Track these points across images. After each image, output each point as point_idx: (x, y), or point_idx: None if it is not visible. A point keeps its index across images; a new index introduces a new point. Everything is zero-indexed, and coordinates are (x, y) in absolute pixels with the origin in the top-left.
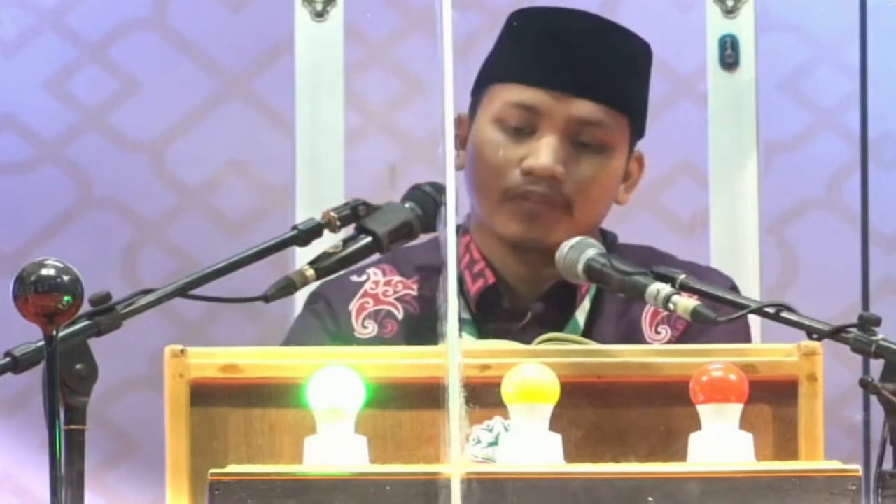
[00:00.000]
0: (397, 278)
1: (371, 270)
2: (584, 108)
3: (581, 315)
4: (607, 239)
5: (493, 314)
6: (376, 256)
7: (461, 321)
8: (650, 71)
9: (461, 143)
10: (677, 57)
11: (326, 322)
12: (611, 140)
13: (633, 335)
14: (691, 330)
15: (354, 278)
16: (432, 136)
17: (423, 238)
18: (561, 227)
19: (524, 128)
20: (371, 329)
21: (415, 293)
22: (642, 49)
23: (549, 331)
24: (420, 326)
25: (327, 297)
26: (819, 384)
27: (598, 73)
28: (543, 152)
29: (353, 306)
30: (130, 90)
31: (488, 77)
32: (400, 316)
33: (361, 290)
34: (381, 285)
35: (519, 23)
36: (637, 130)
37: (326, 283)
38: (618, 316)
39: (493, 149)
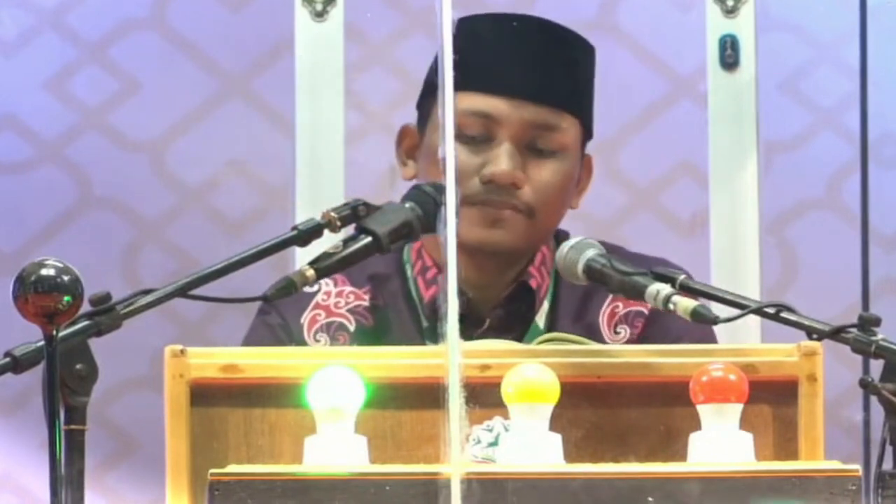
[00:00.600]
0: (349, 289)
1: (322, 280)
2: (540, 113)
3: (541, 319)
4: (560, 238)
5: None
6: None
7: (421, 330)
8: (594, 70)
9: (408, 154)
10: (677, 57)
11: (279, 333)
12: (566, 143)
13: (592, 337)
14: (651, 329)
15: (306, 288)
16: None
17: None
18: (523, 232)
19: (480, 135)
20: (323, 342)
21: (366, 304)
22: (588, 51)
23: (508, 337)
24: (372, 338)
25: (278, 307)
26: (819, 384)
27: (550, 77)
28: (503, 160)
29: (305, 319)
30: (130, 90)
31: (436, 87)
32: (352, 328)
33: (313, 302)
34: (333, 296)
35: (463, 31)
36: (587, 132)
37: None
38: (574, 318)
39: None
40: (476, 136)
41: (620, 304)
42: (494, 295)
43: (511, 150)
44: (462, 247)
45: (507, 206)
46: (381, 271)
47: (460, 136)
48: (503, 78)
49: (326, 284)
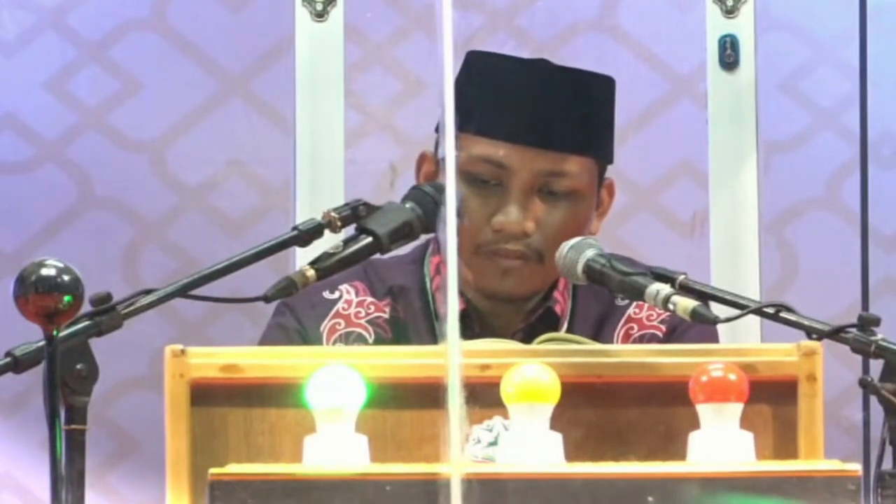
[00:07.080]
0: (369, 299)
1: (343, 287)
2: (552, 160)
3: None
4: None
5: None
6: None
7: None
8: (614, 103)
9: (426, 179)
10: (677, 57)
11: (294, 338)
12: (579, 186)
13: None
14: None
15: (327, 294)
16: (432, 136)
17: (396, 254)
18: (534, 278)
19: (491, 181)
20: None
21: (386, 316)
22: (605, 86)
23: None
24: None
25: (297, 312)
26: (819, 384)
27: (562, 123)
28: (513, 210)
29: (325, 327)
30: (130, 90)
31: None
32: (370, 340)
33: (333, 310)
34: (354, 306)
35: (477, 70)
36: (605, 163)
37: (296, 295)
38: (590, 338)
39: (462, 202)
40: (487, 181)
41: (635, 326)
42: (516, 320)
43: (521, 197)
44: (477, 290)
45: (517, 255)
46: (402, 283)
47: (472, 181)
48: (515, 125)
49: (348, 292)
